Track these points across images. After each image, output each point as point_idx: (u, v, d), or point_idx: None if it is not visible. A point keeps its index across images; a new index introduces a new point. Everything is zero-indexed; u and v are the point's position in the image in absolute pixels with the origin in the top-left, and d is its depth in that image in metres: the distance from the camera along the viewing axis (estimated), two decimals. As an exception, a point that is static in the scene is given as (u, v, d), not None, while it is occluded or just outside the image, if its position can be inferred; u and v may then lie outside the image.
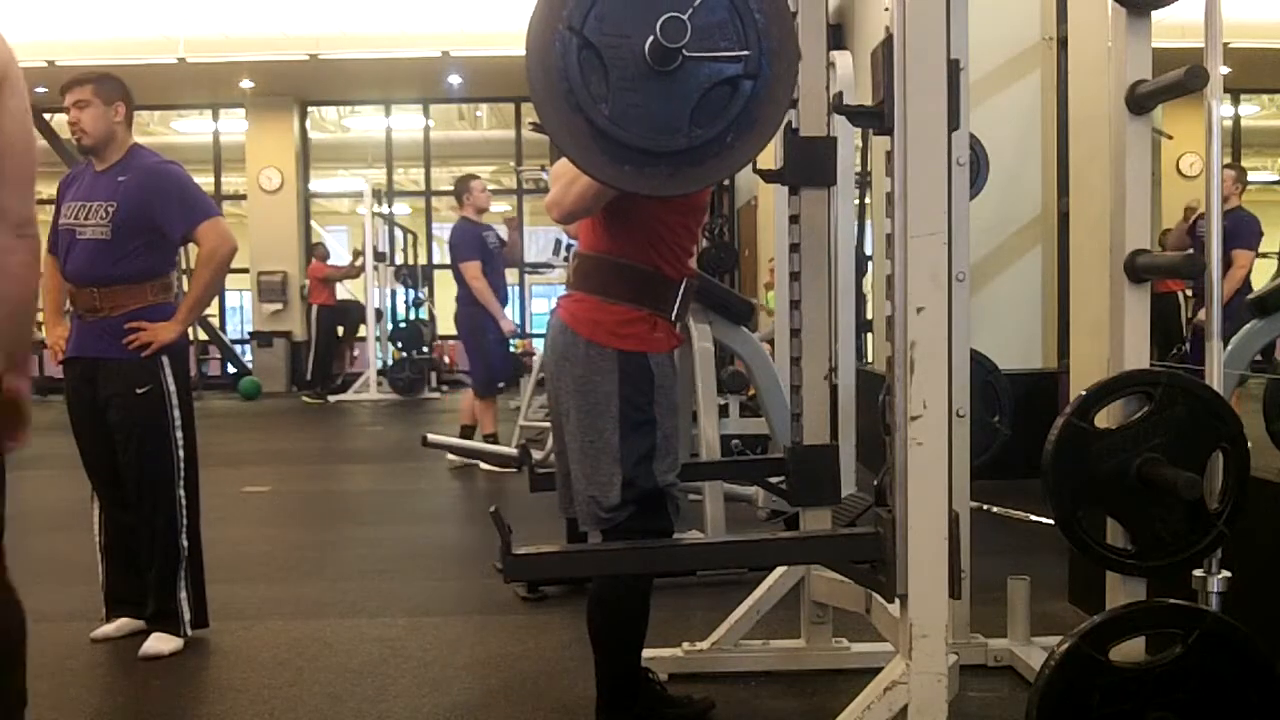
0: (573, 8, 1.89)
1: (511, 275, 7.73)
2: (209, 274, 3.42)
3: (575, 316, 2.48)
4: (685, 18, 1.84)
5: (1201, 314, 6.14)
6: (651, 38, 1.87)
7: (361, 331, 12.62)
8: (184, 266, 7.76)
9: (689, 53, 1.88)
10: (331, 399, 12.01)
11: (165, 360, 3.34)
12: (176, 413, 3.35)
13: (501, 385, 6.94)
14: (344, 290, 12.91)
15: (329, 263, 12.67)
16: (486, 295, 6.79)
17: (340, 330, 12.69)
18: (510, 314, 7.17)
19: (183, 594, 3.32)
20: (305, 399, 12.16)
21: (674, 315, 2.49)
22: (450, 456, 6.62)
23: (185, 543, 3.33)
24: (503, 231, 7.33)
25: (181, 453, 3.35)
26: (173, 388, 3.35)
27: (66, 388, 3.44)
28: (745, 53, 1.91)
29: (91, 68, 3.52)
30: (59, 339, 3.46)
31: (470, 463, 6.67)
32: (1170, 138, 7.11)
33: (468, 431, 6.83)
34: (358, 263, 12.48)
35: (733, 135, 1.93)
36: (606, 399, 2.40)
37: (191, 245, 3.47)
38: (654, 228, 2.45)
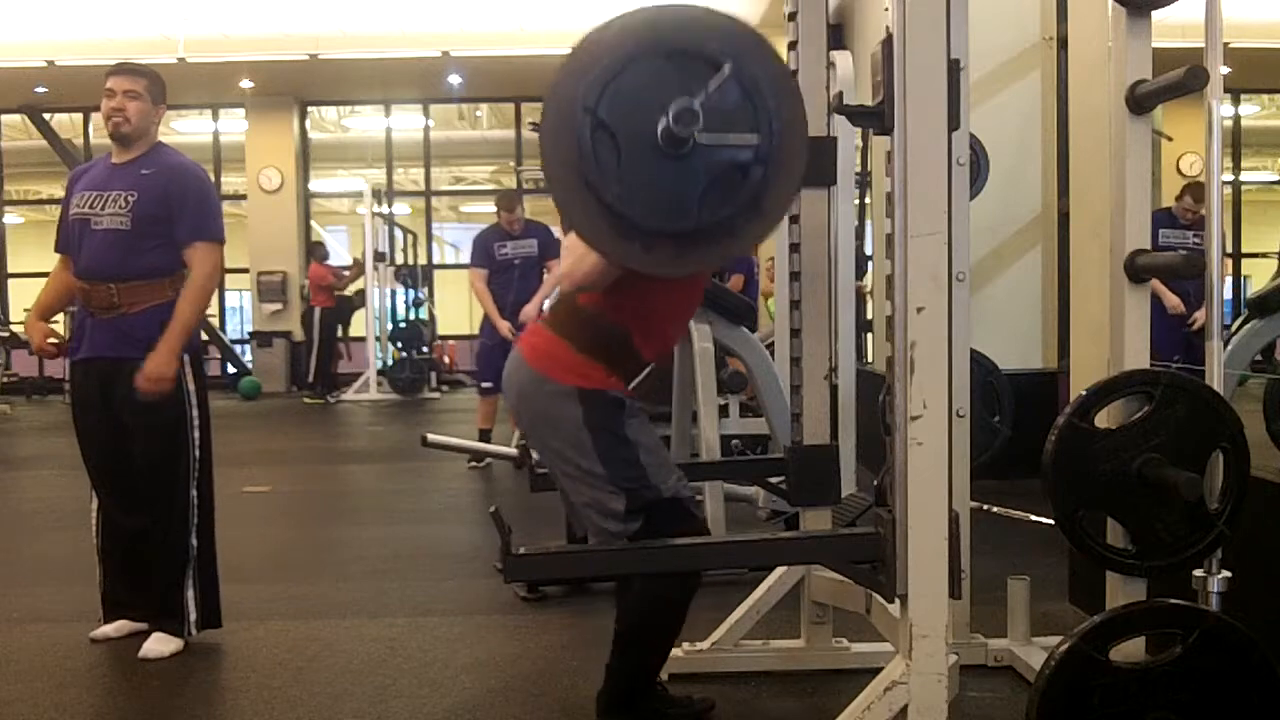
0: (587, 87, 1.88)
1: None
2: (197, 301, 3.33)
3: (535, 349, 2.47)
4: (697, 105, 1.84)
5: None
6: (664, 121, 1.87)
7: (355, 322, 12.63)
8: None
9: (700, 138, 1.88)
10: (332, 399, 12.02)
11: (185, 360, 3.32)
12: (195, 412, 3.34)
13: (488, 385, 7.03)
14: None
15: (328, 263, 12.68)
16: (482, 299, 6.94)
17: (339, 330, 12.71)
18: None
19: (189, 594, 3.31)
20: (306, 399, 12.16)
21: (629, 386, 2.48)
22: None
23: (195, 543, 3.32)
24: (556, 232, 7.48)
25: (198, 452, 3.33)
26: (192, 387, 3.34)
27: (75, 388, 3.42)
28: (756, 140, 1.90)
29: (138, 64, 3.50)
30: (43, 339, 3.42)
31: (486, 462, 6.77)
32: (1170, 139, 7.10)
33: (485, 435, 6.91)
34: (356, 270, 12.53)
35: (741, 218, 1.94)
36: (575, 430, 2.38)
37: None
38: (647, 299, 2.43)
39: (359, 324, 12.91)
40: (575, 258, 2.36)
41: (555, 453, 2.44)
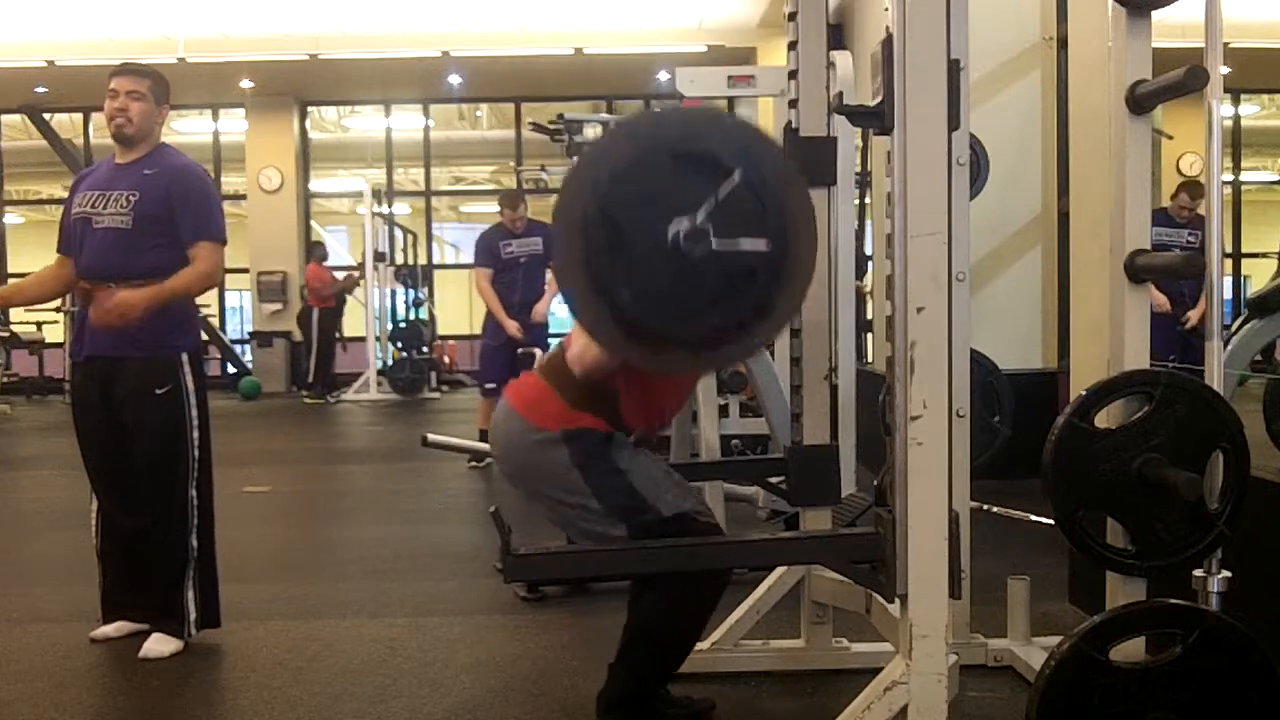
0: (597, 190, 1.88)
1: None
2: (192, 285, 3.32)
3: (523, 398, 2.48)
4: (707, 223, 1.83)
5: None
6: (676, 227, 1.87)
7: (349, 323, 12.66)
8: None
9: (712, 245, 1.87)
10: (332, 399, 12.02)
11: (185, 359, 3.33)
12: (194, 412, 3.34)
13: (491, 386, 7.05)
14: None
15: (325, 264, 12.70)
16: (488, 299, 6.96)
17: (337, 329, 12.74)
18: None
19: (189, 594, 3.31)
20: (306, 399, 12.17)
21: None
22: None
23: (195, 543, 3.32)
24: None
25: (197, 453, 3.33)
26: (191, 387, 3.34)
27: (75, 388, 3.42)
28: (767, 246, 1.90)
29: (142, 64, 3.50)
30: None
31: (486, 462, 6.77)
32: (1170, 138, 7.10)
33: (485, 435, 6.92)
34: (349, 282, 12.64)
35: (753, 319, 1.94)
36: (564, 472, 2.39)
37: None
38: (646, 377, 2.44)
39: (354, 324, 12.95)
40: (585, 342, 2.37)
41: (548, 498, 2.46)
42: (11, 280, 14.52)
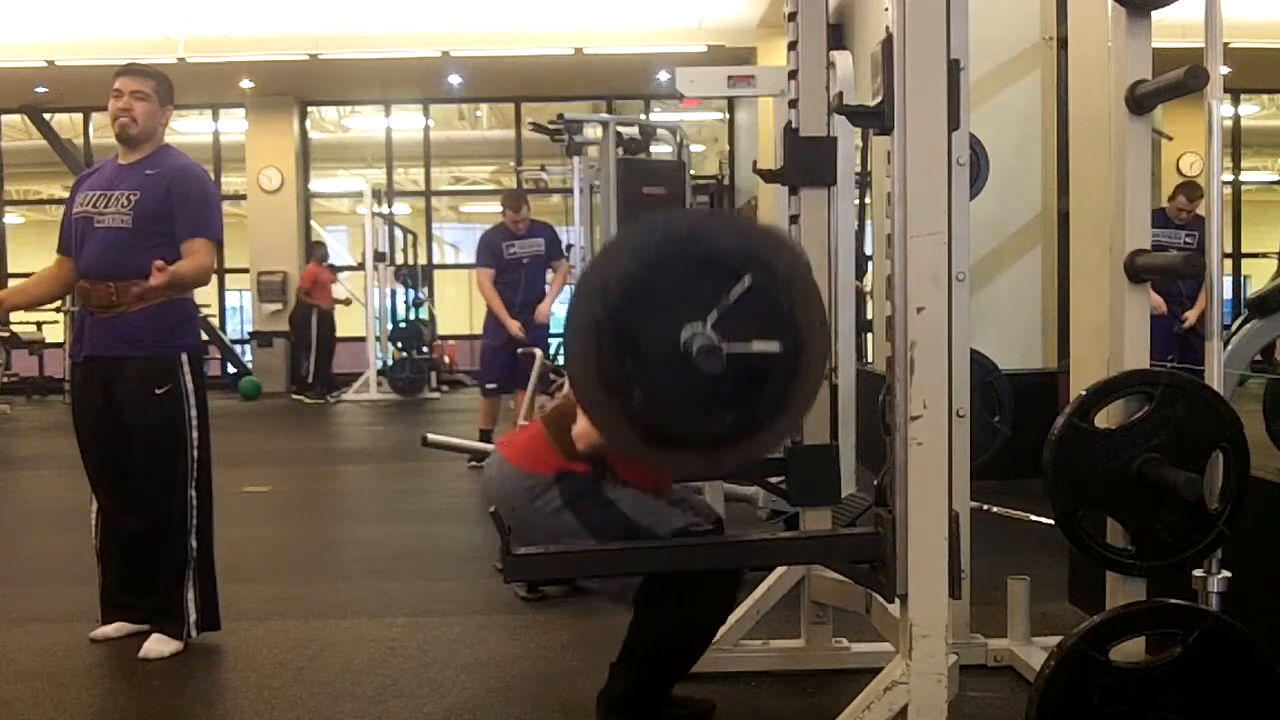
0: (610, 296, 1.89)
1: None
2: (186, 277, 3.30)
3: (517, 449, 2.49)
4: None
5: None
6: (688, 332, 1.87)
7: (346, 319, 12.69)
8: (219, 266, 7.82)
9: (723, 358, 1.87)
10: (332, 399, 12.02)
11: (184, 359, 3.33)
12: (194, 412, 3.34)
13: (492, 386, 7.05)
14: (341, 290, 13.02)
15: (326, 264, 12.73)
16: (490, 299, 6.97)
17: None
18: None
19: (189, 595, 3.31)
20: (306, 399, 12.17)
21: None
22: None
23: (194, 544, 3.32)
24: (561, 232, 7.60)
25: (196, 453, 3.33)
26: (190, 387, 3.33)
27: (75, 388, 3.41)
28: (779, 347, 1.90)
29: (146, 65, 3.51)
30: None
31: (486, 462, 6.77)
32: (1170, 138, 7.10)
33: (485, 435, 6.92)
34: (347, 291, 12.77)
35: (766, 417, 1.93)
36: (557, 516, 2.41)
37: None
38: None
39: (354, 324, 12.96)
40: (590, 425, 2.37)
41: (538, 540, 2.44)
42: (12, 281, 14.56)
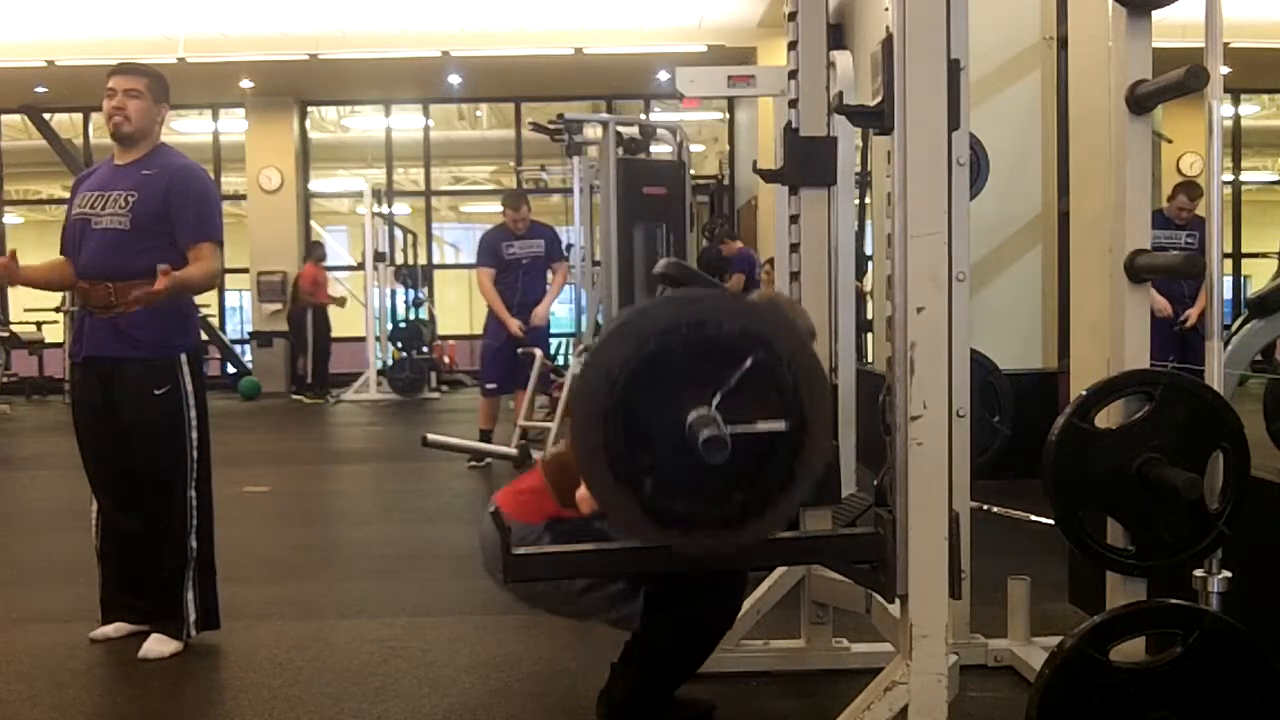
0: (613, 384, 1.89)
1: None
2: (194, 281, 3.31)
3: (510, 504, 2.49)
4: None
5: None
6: (692, 415, 1.87)
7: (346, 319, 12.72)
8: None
9: (729, 431, 1.87)
10: (332, 398, 12.02)
11: (184, 360, 3.33)
12: (193, 413, 3.33)
13: (492, 386, 7.06)
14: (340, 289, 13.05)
15: (323, 264, 12.76)
16: (489, 298, 6.98)
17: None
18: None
19: (189, 595, 3.31)
20: (305, 399, 12.17)
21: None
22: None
23: (194, 544, 3.32)
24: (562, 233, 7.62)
25: (195, 453, 3.33)
26: (190, 388, 3.33)
27: (75, 389, 3.41)
28: (785, 425, 1.90)
29: (139, 63, 3.50)
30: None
31: (486, 462, 6.78)
32: (1170, 141, 7.10)
33: (485, 435, 6.93)
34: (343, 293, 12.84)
35: (775, 492, 1.94)
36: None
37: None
38: None
39: (354, 324, 12.96)
40: None
41: (546, 597, 2.52)
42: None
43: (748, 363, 1.89)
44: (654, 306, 1.94)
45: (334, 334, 12.98)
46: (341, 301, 12.84)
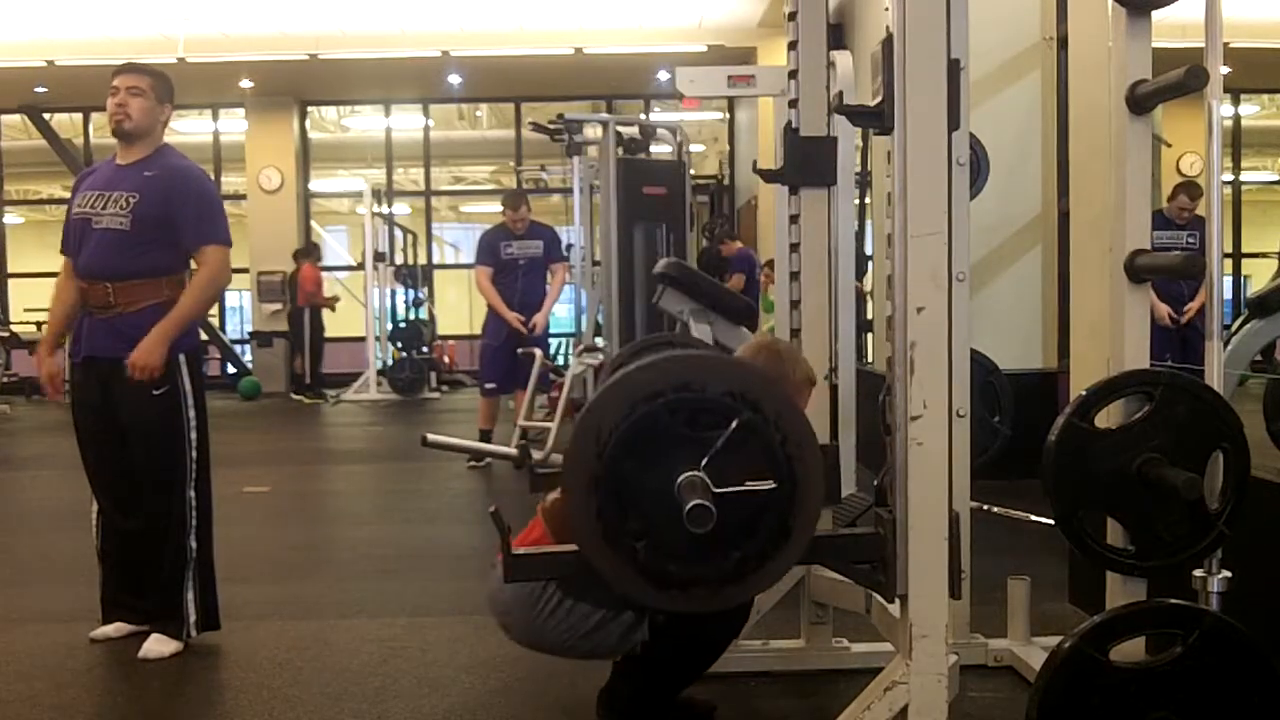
0: (602, 450, 1.90)
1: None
2: (200, 298, 3.35)
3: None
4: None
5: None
6: (679, 486, 1.88)
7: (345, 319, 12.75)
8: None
9: (719, 494, 1.88)
10: (332, 398, 12.02)
11: (182, 360, 3.32)
12: (192, 413, 3.33)
13: (491, 386, 7.06)
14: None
15: (319, 265, 12.78)
16: (487, 295, 7.00)
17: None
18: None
19: (189, 595, 3.31)
20: (305, 399, 12.17)
21: None
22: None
23: (194, 544, 3.32)
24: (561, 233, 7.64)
25: (195, 454, 3.33)
26: (189, 388, 3.33)
27: (75, 388, 3.41)
28: (774, 485, 1.91)
29: (145, 63, 3.51)
30: (53, 374, 3.42)
31: (486, 462, 6.78)
32: (1169, 145, 7.09)
33: (485, 435, 6.92)
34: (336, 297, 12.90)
35: (770, 547, 1.95)
36: (559, 606, 2.43)
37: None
38: None
39: (354, 324, 12.97)
40: None
41: (558, 644, 2.49)
42: (11, 281, 14.57)
43: (734, 424, 1.90)
44: (639, 371, 1.95)
45: (335, 334, 12.99)
46: (335, 300, 12.85)
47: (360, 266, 12.91)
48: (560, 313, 8.27)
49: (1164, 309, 5.98)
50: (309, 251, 13.05)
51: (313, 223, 14.84)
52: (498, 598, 2.53)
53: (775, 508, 1.93)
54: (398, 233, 13.15)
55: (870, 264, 7.69)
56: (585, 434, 1.91)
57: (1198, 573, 2.16)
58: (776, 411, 1.93)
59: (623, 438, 1.89)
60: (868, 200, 7.59)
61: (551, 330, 7.70)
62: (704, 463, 1.89)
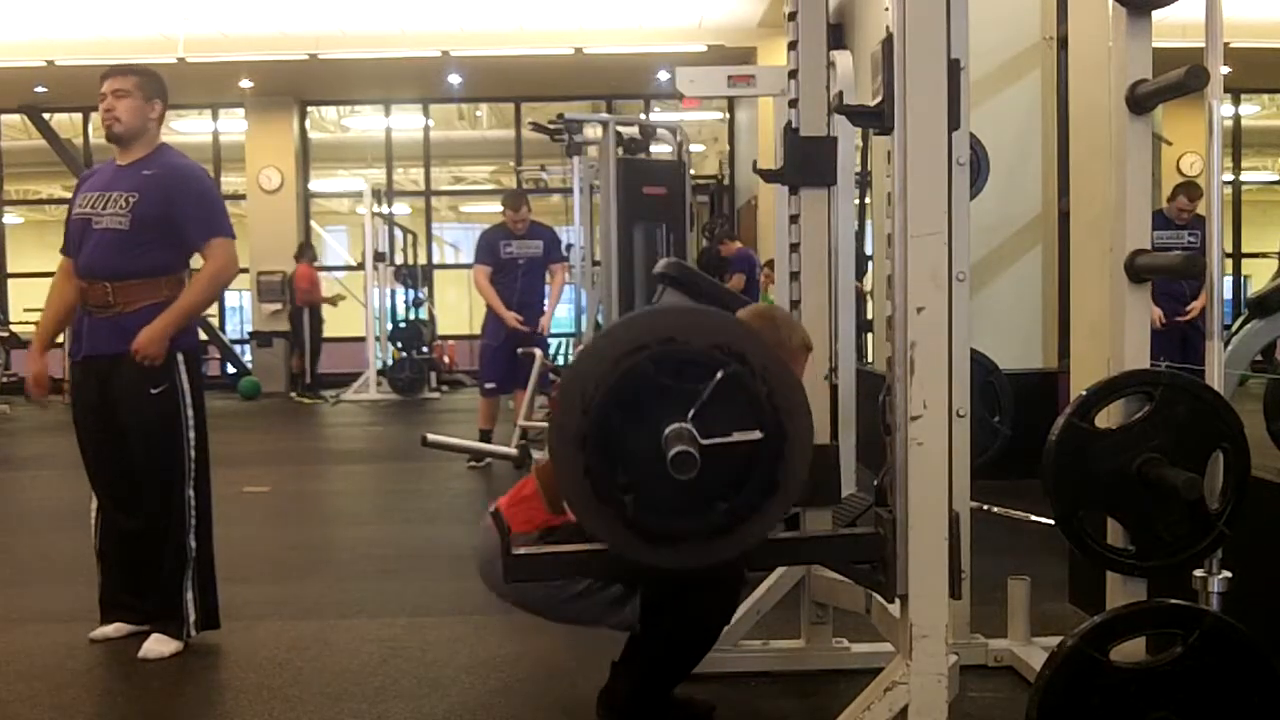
0: (589, 405, 1.90)
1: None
2: (208, 289, 3.37)
3: (506, 508, 2.48)
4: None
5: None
6: (666, 437, 1.88)
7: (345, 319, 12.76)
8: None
9: (705, 445, 1.88)
10: (332, 398, 12.03)
11: (180, 359, 3.33)
12: (190, 412, 3.33)
13: (491, 386, 7.06)
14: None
15: (315, 265, 12.81)
16: (486, 294, 7.00)
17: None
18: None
19: (189, 595, 3.30)
20: (305, 399, 12.17)
21: None
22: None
23: (193, 544, 3.32)
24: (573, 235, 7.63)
25: (193, 453, 3.33)
26: (187, 387, 3.33)
27: (75, 388, 3.41)
28: (760, 434, 1.91)
29: (129, 64, 3.51)
30: (39, 374, 3.45)
31: (485, 462, 6.78)
32: (1170, 143, 7.10)
33: (485, 435, 6.93)
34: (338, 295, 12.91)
35: (759, 499, 1.95)
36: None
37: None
38: None
39: (354, 324, 12.98)
40: None
41: (541, 602, 2.54)
42: (11, 281, 14.56)
43: (719, 375, 1.89)
44: (622, 326, 1.95)
45: (334, 334, 13.00)
46: (338, 298, 12.85)
47: (360, 266, 12.91)
48: (560, 313, 8.26)
49: (1156, 311, 5.99)
50: (303, 251, 13.06)
51: (313, 223, 14.84)
52: (484, 547, 2.54)
53: (763, 460, 1.92)
54: (398, 233, 13.16)
55: (870, 264, 7.69)
56: (570, 391, 1.91)
57: (1198, 573, 2.16)
58: (763, 364, 1.93)
59: (608, 393, 1.89)
60: (868, 200, 7.59)
61: (552, 330, 7.69)
62: (690, 414, 1.88)
